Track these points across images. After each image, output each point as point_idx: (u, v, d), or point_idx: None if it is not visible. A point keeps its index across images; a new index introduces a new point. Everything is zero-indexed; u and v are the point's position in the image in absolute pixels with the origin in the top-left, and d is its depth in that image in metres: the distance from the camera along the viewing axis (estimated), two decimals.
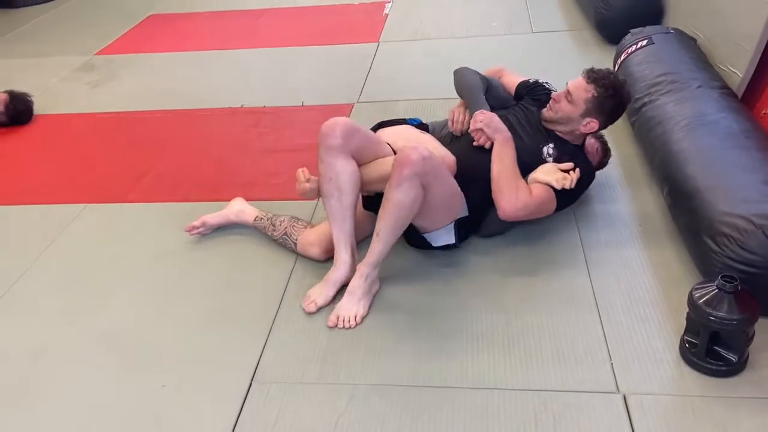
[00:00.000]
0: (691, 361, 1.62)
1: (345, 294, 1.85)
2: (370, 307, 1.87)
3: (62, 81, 3.70)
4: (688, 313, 1.62)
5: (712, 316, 1.53)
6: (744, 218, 1.71)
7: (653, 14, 3.35)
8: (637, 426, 1.49)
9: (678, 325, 1.70)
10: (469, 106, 2.16)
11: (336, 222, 1.92)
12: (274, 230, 2.14)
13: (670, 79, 2.45)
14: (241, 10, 4.62)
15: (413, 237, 2.03)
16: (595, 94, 1.99)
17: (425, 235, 1.99)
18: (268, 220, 2.17)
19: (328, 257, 2.00)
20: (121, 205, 2.51)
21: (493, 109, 2.13)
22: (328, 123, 1.92)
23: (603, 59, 3.26)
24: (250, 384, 1.68)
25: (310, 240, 2.06)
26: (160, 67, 3.81)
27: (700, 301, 1.56)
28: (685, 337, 1.64)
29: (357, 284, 1.85)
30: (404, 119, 2.31)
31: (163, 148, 2.90)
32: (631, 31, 2.93)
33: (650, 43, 2.75)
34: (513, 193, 1.93)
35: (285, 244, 2.12)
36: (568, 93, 2.04)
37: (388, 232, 1.84)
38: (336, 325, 1.81)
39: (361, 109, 3.10)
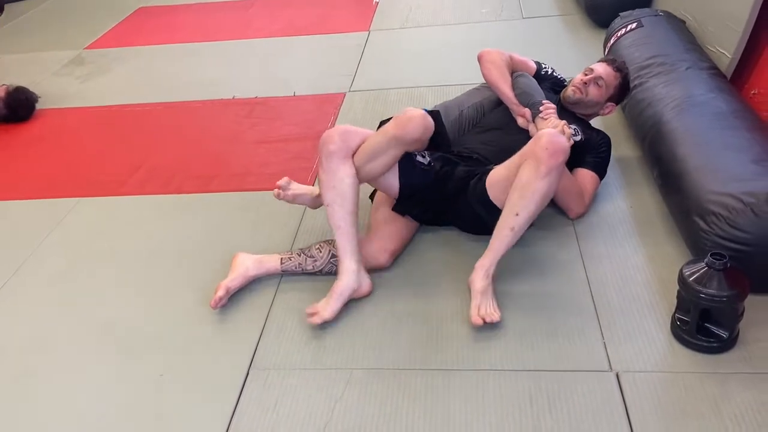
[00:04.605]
0: (682, 339, 1.64)
1: (475, 294, 1.75)
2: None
3: (53, 76, 3.69)
4: (678, 291, 1.64)
5: (702, 294, 1.55)
6: (733, 197, 1.73)
7: None
8: (630, 403, 1.51)
9: (669, 304, 1.72)
10: (532, 102, 2.13)
11: (341, 230, 1.84)
12: (315, 261, 1.95)
13: (659, 62, 2.47)
14: (230, 1, 4.60)
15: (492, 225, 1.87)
16: (621, 82, 2.19)
17: None
18: (299, 255, 1.97)
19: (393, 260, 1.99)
20: (115, 198, 2.52)
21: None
22: (325, 133, 1.90)
23: (593, 43, 3.28)
24: (248, 371, 1.70)
25: (372, 250, 1.96)
26: (150, 60, 3.80)
27: (691, 278, 1.58)
28: (677, 314, 1.66)
29: (485, 283, 1.76)
30: None
31: (155, 141, 2.91)
32: (621, 14, 2.94)
33: (640, 25, 2.76)
34: (581, 200, 2.11)
35: (336, 267, 1.89)
36: (599, 78, 2.16)
37: (523, 226, 1.77)
38: (483, 323, 1.71)
39: (353, 97, 3.10)
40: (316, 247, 1.98)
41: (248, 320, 1.86)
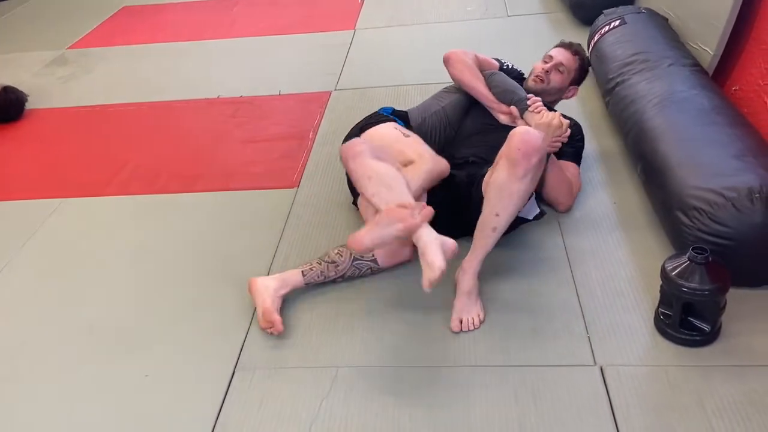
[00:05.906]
0: (665, 332, 1.66)
1: (461, 295, 1.75)
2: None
3: (35, 76, 3.65)
4: (661, 286, 1.65)
5: (685, 288, 1.56)
6: (714, 192, 1.75)
7: None
8: (615, 397, 1.52)
9: (652, 298, 1.74)
10: (517, 98, 2.12)
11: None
12: (337, 266, 1.86)
13: (642, 58, 2.49)
14: (214, 0, 4.58)
15: None
16: (580, 64, 2.23)
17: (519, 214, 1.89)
18: (320, 264, 1.87)
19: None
20: (99, 198, 2.50)
21: None
22: (344, 145, 1.88)
23: (577, 40, 3.26)
24: (234, 370, 1.69)
25: (391, 248, 1.87)
26: (134, 60, 3.77)
27: (673, 273, 1.59)
28: (660, 309, 1.68)
29: (472, 283, 1.76)
30: (377, 112, 2.26)
31: (139, 141, 2.89)
32: (604, 12, 2.96)
33: (623, 23, 2.78)
34: (571, 192, 2.13)
35: (359, 270, 1.88)
36: (560, 64, 2.18)
37: (505, 225, 1.76)
38: (461, 329, 1.72)
39: (338, 96, 3.10)
40: (336, 252, 1.89)
41: (234, 320, 1.85)
